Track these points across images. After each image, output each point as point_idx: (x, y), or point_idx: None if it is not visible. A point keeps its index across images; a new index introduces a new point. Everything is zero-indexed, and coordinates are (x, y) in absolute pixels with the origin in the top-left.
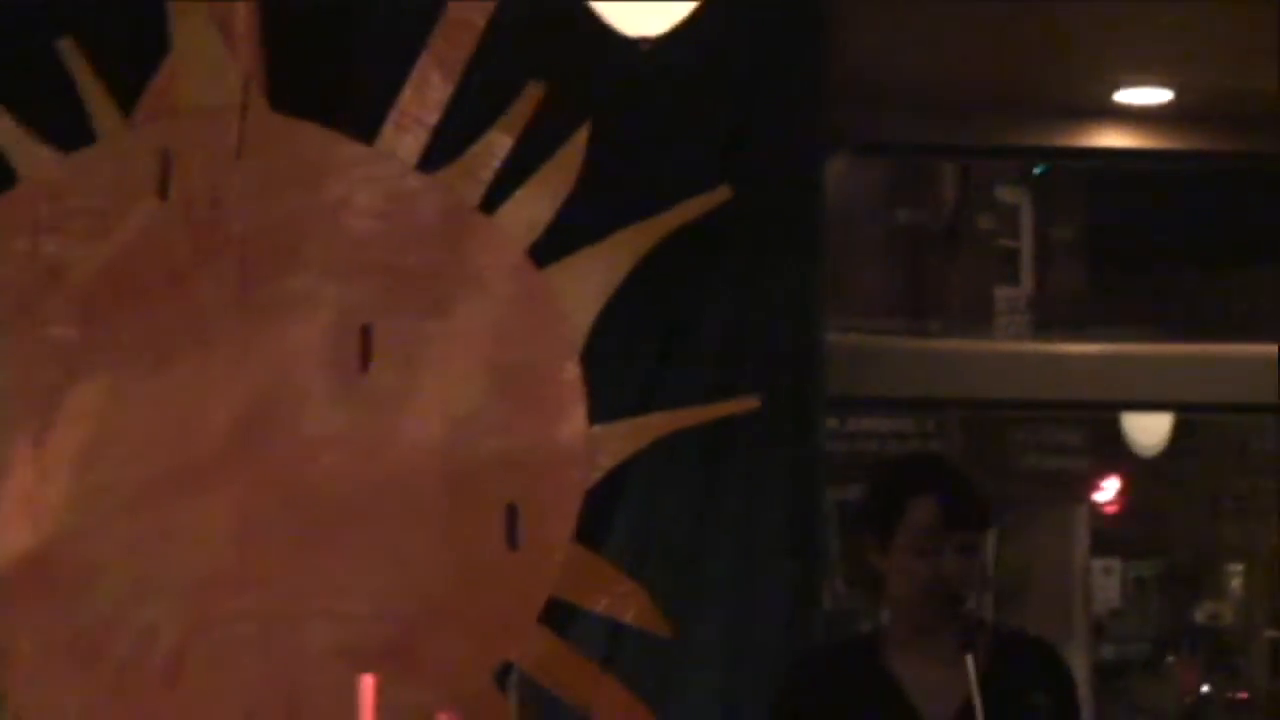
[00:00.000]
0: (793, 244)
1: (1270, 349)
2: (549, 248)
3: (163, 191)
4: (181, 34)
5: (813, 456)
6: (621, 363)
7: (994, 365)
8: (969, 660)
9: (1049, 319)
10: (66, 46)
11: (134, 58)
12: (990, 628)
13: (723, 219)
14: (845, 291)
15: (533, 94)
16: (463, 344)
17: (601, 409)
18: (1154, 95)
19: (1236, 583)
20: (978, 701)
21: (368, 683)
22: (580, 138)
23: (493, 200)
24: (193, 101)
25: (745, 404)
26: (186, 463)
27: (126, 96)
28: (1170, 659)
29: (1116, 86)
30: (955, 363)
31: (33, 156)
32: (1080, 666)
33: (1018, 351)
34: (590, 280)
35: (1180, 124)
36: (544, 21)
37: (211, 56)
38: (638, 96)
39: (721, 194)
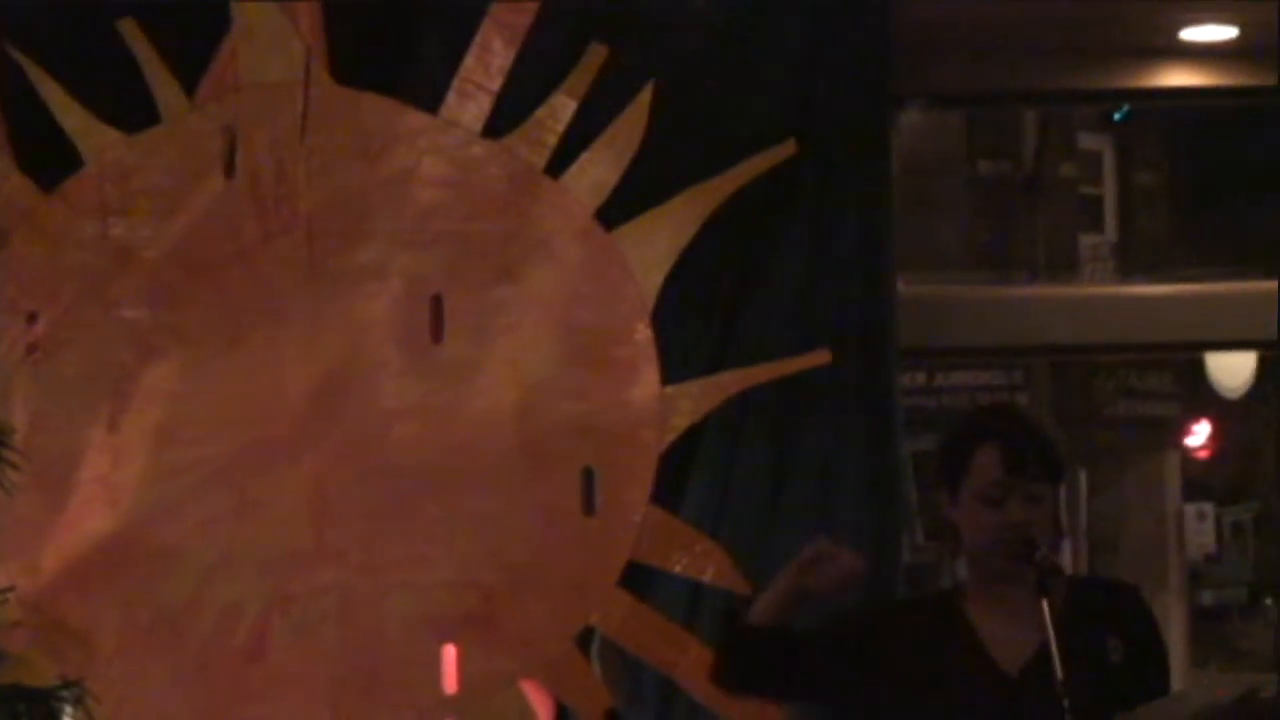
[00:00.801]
0: (861, 197)
1: None
2: (616, 210)
3: (229, 169)
4: (243, 11)
5: (887, 408)
6: (692, 322)
7: (1080, 311)
8: (1044, 605)
9: (1134, 264)
10: (128, 28)
11: (196, 36)
12: (1066, 575)
13: (789, 174)
14: (928, 244)
15: (595, 56)
16: (533, 309)
17: (673, 369)
18: (1219, 33)
19: None
20: (1054, 646)
21: (449, 652)
22: (644, 98)
23: (559, 164)
24: (256, 78)
25: (818, 358)
26: (262, 439)
27: (190, 76)
28: (1268, 602)
29: (1182, 25)
30: (1041, 310)
31: (98, 139)
32: (1177, 613)
33: (1103, 296)
34: (658, 241)
35: (1246, 60)
36: None
37: (273, 32)
38: (700, 55)
39: (786, 149)
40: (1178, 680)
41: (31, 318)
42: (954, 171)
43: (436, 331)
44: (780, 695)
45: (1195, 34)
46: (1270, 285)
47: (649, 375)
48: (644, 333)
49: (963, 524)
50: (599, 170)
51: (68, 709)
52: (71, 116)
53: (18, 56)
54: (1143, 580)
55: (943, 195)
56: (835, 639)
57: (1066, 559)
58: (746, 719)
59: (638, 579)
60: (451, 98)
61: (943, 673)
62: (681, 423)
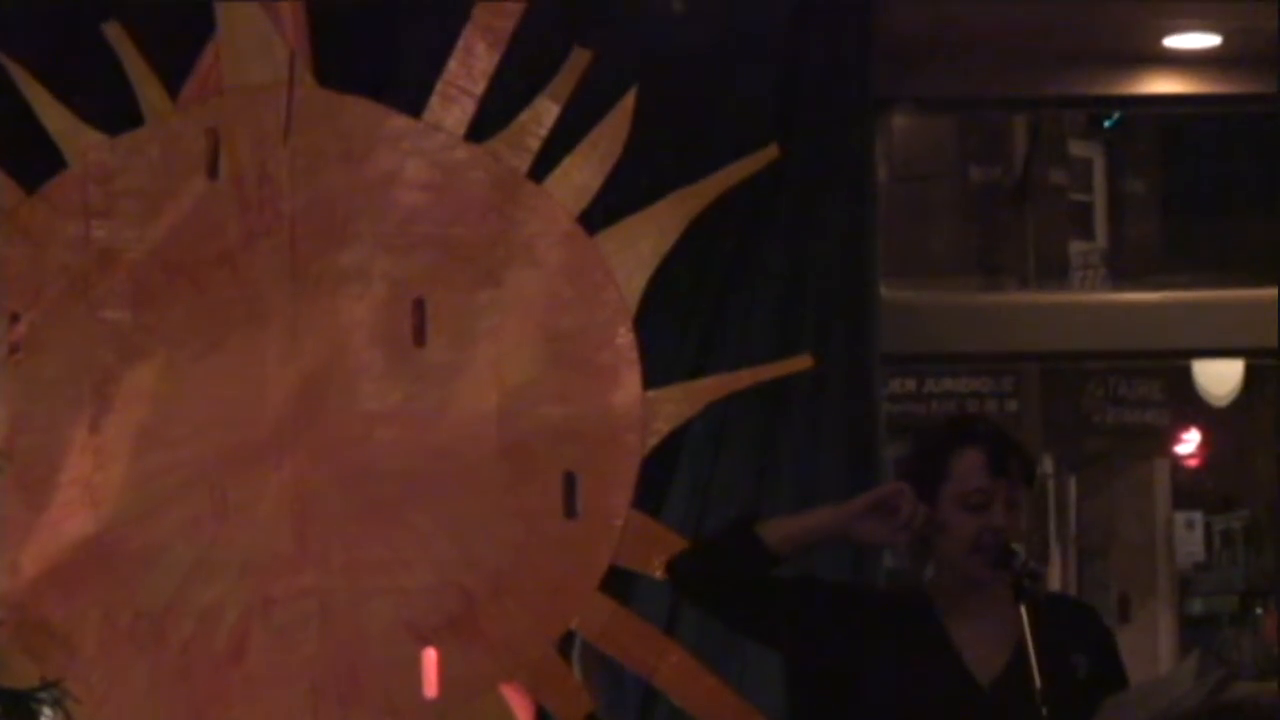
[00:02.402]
0: (844, 201)
1: None
2: (599, 214)
3: (212, 171)
4: (227, 13)
5: (870, 413)
6: (675, 327)
7: (1070, 318)
8: (1023, 611)
9: (1124, 271)
10: (112, 30)
11: (179, 38)
12: (1045, 580)
13: (772, 180)
14: (919, 250)
15: (579, 61)
16: (515, 313)
17: (656, 374)
18: (1202, 40)
19: None
20: (1031, 651)
21: (430, 656)
22: (627, 102)
23: (542, 168)
24: (239, 80)
25: (800, 363)
26: (243, 442)
27: (173, 77)
28: (1258, 611)
29: (1165, 32)
30: (1031, 317)
31: (82, 140)
32: (1166, 621)
33: (1093, 303)
34: (641, 245)
35: (1229, 68)
36: None
37: (257, 35)
38: (683, 60)
39: (769, 154)
40: None
41: (13, 318)
42: (945, 177)
43: (419, 335)
44: (723, 613)
45: (1179, 41)
46: (1258, 293)
47: (631, 379)
48: (626, 337)
49: (938, 529)
50: (582, 174)
51: (46, 710)
52: (55, 117)
53: (2, 58)
54: (1132, 588)
55: (933, 201)
56: (798, 586)
57: (1055, 567)
58: None
59: (619, 583)
60: (435, 101)
61: (916, 679)
62: (664, 427)
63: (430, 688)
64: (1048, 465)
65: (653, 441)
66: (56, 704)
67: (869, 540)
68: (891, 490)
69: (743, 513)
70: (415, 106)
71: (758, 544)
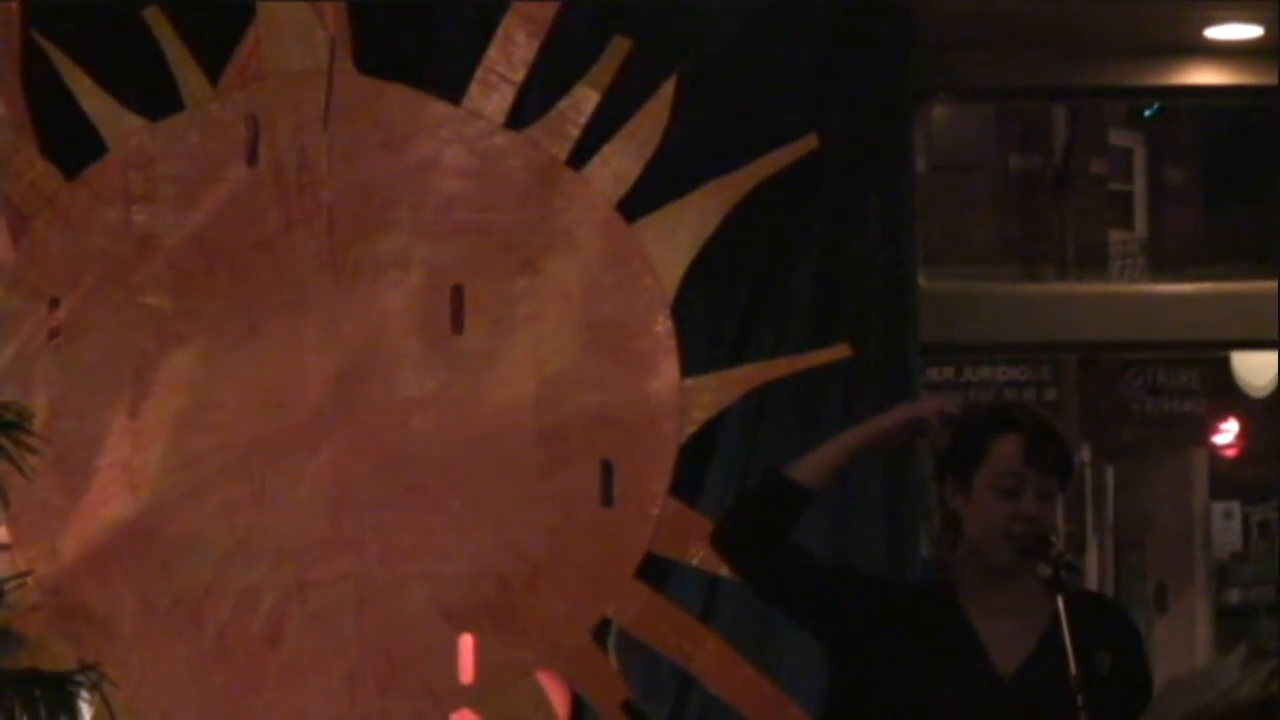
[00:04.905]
0: (883, 191)
1: None
2: (638, 202)
3: (251, 158)
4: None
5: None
6: (713, 315)
7: (1109, 308)
8: (1060, 603)
9: (1163, 261)
10: (152, 15)
11: (220, 24)
12: (1082, 572)
13: (811, 169)
14: (958, 239)
15: (619, 49)
16: (554, 301)
17: (694, 362)
18: (1244, 31)
19: None
20: (1069, 643)
21: (466, 642)
22: (667, 91)
23: (581, 156)
24: (279, 66)
25: (838, 352)
26: (281, 428)
27: (213, 63)
28: None
29: (1207, 23)
30: (1070, 307)
31: (122, 126)
32: (1203, 611)
33: (1132, 294)
34: (680, 233)
35: (1271, 59)
36: None
37: (297, 21)
38: (723, 48)
39: (809, 143)
40: None
41: (54, 303)
42: (984, 166)
43: (457, 322)
44: (765, 579)
45: (1220, 32)
46: None
47: (669, 367)
48: (664, 325)
49: (971, 515)
50: (621, 162)
51: (84, 693)
52: (95, 103)
53: (43, 43)
54: (1169, 578)
55: (973, 190)
56: (840, 575)
57: (1092, 556)
58: (762, 712)
59: (655, 571)
60: (474, 88)
61: (936, 668)
62: (701, 415)
63: (466, 674)
64: (1085, 454)
65: (690, 429)
66: (94, 687)
67: (898, 445)
68: (920, 410)
69: (768, 467)
70: (455, 94)
71: (788, 483)
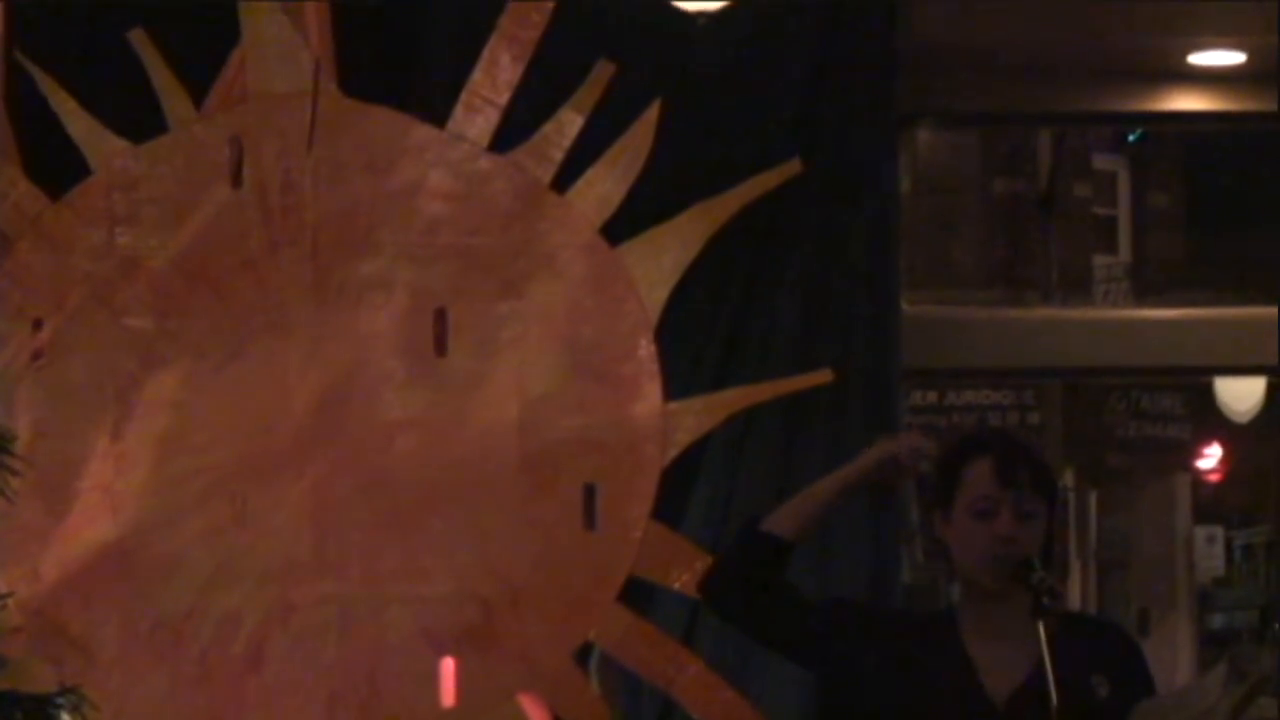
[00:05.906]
0: (866, 215)
1: None
2: (622, 226)
3: (235, 179)
4: (251, 21)
5: (891, 426)
6: (696, 339)
7: (1093, 333)
8: (1040, 628)
9: (1147, 286)
10: (137, 37)
11: (204, 46)
12: (1064, 597)
13: (795, 193)
14: (942, 262)
15: (603, 73)
16: (537, 324)
17: (677, 386)
18: (1227, 58)
19: None
20: (1049, 667)
21: (448, 665)
22: (651, 115)
23: (565, 180)
24: (264, 89)
25: (820, 377)
26: (264, 450)
27: (198, 86)
28: (1277, 626)
29: (1190, 49)
30: (1053, 332)
31: (106, 148)
32: (1186, 635)
33: (1116, 318)
34: (663, 257)
35: (1253, 86)
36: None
37: (282, 43)
38: (707, 72)
39: (792, 168)
40: None
41: (37, 324)
42: (968, 191)
43: (440, 345)
44: (758, 628)
45: (1204, 58)
46: None
47: (652, 391)
48: (647, 349)
49: (955, 542)
50: (605, 186)
51: (65, 716)
52: (80, 125)
53: (27, 65)
54: (1152, 603)
55: (957, 214)
56: (830, 610)
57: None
58: None
59: (638, 595)
60: (459, 111)
61: (929, 693)
62: (684, 439)
63: (448, 697)
64: (1069, 479)
65: (673, 453)
66: (75, 710)
67: (880, 483)
68: (890, 448)
69: (746, 519)
70: (439, 117)
71: (768, 538)
